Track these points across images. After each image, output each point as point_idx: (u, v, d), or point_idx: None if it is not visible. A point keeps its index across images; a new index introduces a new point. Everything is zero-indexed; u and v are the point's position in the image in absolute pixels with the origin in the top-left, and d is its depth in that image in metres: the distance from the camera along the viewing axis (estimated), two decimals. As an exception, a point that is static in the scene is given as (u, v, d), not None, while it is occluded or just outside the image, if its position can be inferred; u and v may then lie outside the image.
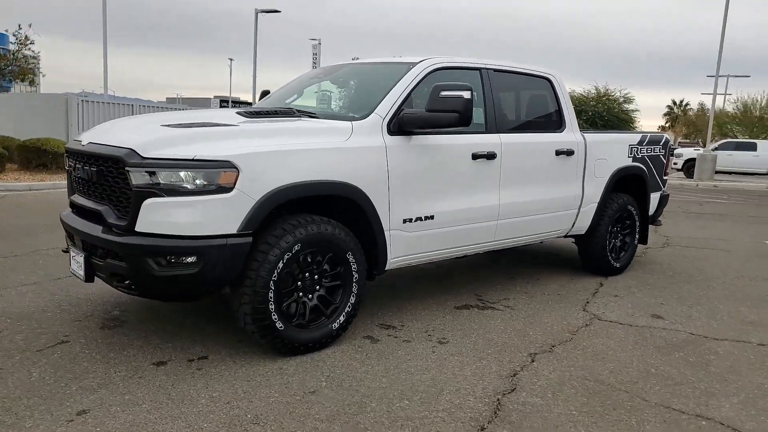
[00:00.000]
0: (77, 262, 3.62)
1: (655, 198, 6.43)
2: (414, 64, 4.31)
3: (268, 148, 3.36)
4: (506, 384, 3.32)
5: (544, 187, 5.08)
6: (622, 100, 69.07)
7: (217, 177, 3.14)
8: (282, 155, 3.40)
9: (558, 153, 5.14)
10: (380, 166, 3.84)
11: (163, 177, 3.13)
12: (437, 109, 3.83)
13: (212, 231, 3.17)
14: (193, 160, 3.15)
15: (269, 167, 3.32)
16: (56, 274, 5.30)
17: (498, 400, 3.12)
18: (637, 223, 6.20)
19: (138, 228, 3.20)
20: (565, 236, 5.65)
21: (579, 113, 65.91)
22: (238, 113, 3.87)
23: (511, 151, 4.69)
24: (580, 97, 63.36)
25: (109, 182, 3.36)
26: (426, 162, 4.13)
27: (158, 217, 3.15)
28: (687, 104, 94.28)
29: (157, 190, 3.13)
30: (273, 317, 3.41)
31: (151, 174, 3.14)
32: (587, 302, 5.04)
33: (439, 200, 4.24)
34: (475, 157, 4.42)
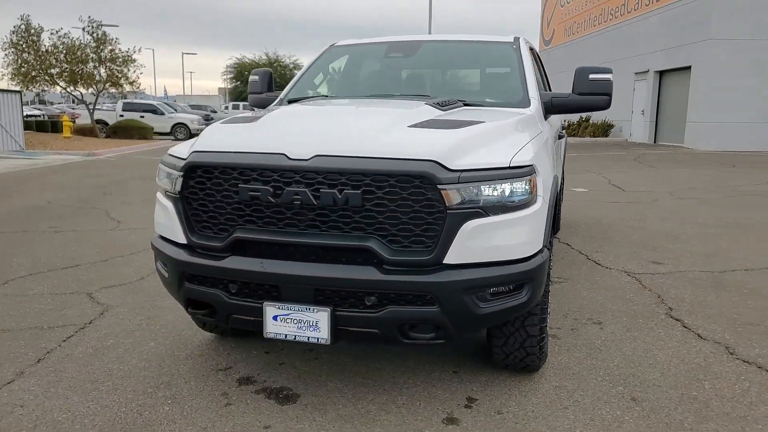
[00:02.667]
0: (305, 321, 2.63)
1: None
2: (515, 43, 4.16)
3: (535, 146, 2.95)
4: None
5: (558, 165, 5.43)
6: (292, 66, 73.08)
7: (530, 185, 2.66)
8: (540, 152, 3.03)
9: (559, 137, 5.53)
10: (551, 154, 3.69)
11: (481, 192, 2.52)
12: (587, 93, 3.81)
13: (534, 249, 2.70)
14: (509, 167, 2.60)
15: (541, 167, 2.94)
16: (82, 343, 3.60)
17: None
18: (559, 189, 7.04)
19: (449, 259, 2.52)
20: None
21: (252, 79, 67.88)
22: (428, 105, 3.23)
23: (557, 131, 4.91)
24: (252, 63, 64.68)
25: (385, 206, 2.52)
26: (554, 147, 4.09)
27: (480, 242, 2.53)
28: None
29: (478, 209, 2.51)
30: (546, 334, 3.09)
31: (462, 190, 2.49)
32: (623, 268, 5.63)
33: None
34: (559, 137, 4.52)
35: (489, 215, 2.52)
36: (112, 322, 4.08)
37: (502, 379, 3.19)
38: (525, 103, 3.70)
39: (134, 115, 28.20)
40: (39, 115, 33.77)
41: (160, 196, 3.10)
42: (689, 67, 20.26)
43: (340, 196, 2.51)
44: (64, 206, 8.92)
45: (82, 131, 25.32)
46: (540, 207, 2.72)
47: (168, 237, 2.99)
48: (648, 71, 23.10)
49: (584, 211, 8.32)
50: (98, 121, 27.17)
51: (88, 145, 20.66)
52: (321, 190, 2.53)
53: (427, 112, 3.09)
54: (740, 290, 4.71)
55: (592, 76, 3.80)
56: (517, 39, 4.22)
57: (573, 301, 4.47)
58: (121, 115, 28.38)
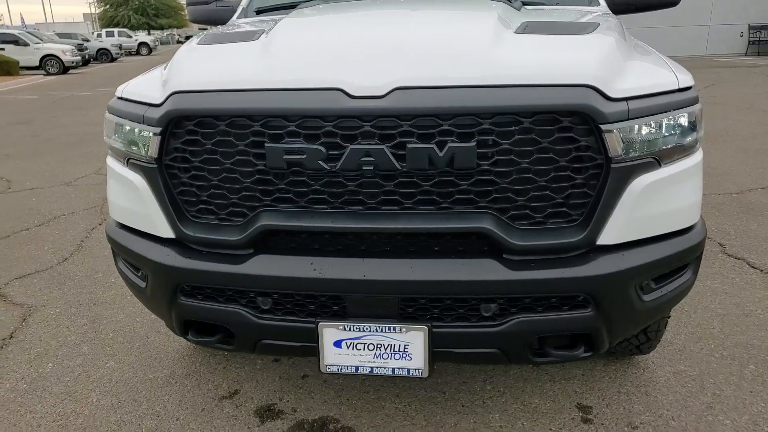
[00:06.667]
0: (387, 346, 1.74)
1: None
2: None
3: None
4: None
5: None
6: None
7: (698, 117, 1.83)
8: None
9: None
10: None
11: (658, 130, 1.68)
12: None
13: (699, 211, 1.91)
14: (678, 90, 1.75)
15: None
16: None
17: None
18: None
19: (606, 239, 1.68)
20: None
21: (126, 2, 60.59)
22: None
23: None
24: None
25: (512, 163, 1.62)
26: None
27: (651, 208, 1.71)
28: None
29: (652, 158, 1.67)
30: (667, 311, 2.38)
31: (633, 130, 1.64)
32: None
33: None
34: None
35: (661, 165, 1.69)
36: (43, 334, 2.96)
37: (600, 369, 2.49)
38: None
39: (-11, 50, 24.28)
40: None
41: (114, 163, 2.01)
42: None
43: (440, 154, 1.57)
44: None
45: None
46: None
47: (139, 228, 1.93)
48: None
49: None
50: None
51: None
52: (408, 146, 1.57)
53: (507, 11, 2.15)
54: (774, 215, 4.26)
55: (660, -35, 2.95)
56: None
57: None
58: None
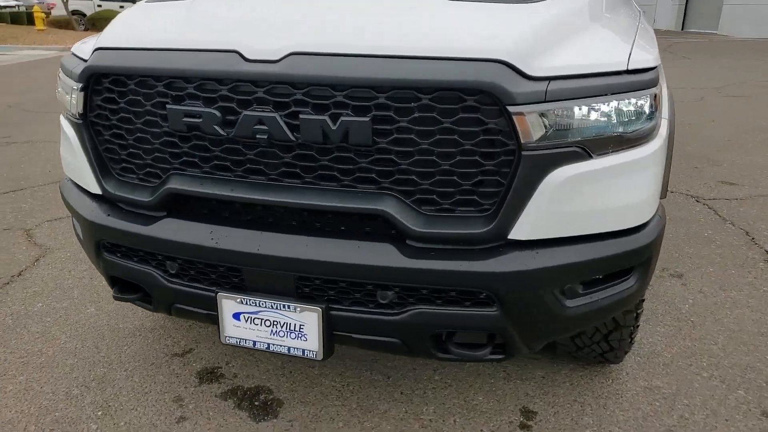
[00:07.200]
0: (283, 324, 1.67)
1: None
2: None
3: (647, 37, 1.85)
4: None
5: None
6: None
7: (654, 102, 1.58)
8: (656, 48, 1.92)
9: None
10: None
11: (585, 116, 1.46)
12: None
13: (651, 211, 1.68)
14: (626, 72, 1.52)
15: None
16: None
17: None
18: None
19: (518, 233, 1.50)
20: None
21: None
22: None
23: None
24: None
25: (412, 143, 1.47)
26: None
27: (575, 204, 1.51)
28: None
29: (576, 147, 1.46)
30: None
31: (551, 113, 1.43)
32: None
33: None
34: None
35: (593, 156, 1.48)
36: (47, 275, 3.14)
37: (565, 374, 2.29)
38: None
39: (113, 6, 25.73)
40: (15, 6, 31.10)
41: (62, 118, 2.05)
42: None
43: (333, 127, 1.46)
44: (25, 111, 7.74)
45: (57, 23, 23.21)
46: (664, 140, 1.68)
47: (77, 182, 1.98)
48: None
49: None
50: (74, 12, 24.82)
51: (64, 38, 18.82)
52: (301, 116, 1.47)
53: None
54: None
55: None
56: None
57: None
58: (99, 5, 25.94)
